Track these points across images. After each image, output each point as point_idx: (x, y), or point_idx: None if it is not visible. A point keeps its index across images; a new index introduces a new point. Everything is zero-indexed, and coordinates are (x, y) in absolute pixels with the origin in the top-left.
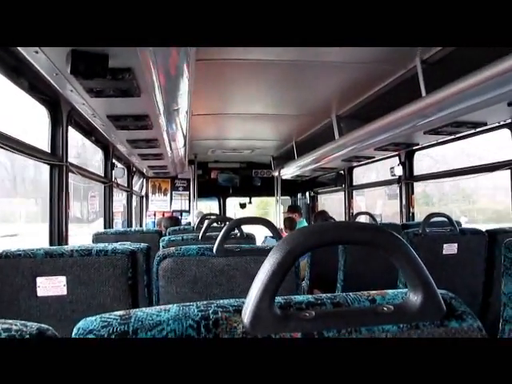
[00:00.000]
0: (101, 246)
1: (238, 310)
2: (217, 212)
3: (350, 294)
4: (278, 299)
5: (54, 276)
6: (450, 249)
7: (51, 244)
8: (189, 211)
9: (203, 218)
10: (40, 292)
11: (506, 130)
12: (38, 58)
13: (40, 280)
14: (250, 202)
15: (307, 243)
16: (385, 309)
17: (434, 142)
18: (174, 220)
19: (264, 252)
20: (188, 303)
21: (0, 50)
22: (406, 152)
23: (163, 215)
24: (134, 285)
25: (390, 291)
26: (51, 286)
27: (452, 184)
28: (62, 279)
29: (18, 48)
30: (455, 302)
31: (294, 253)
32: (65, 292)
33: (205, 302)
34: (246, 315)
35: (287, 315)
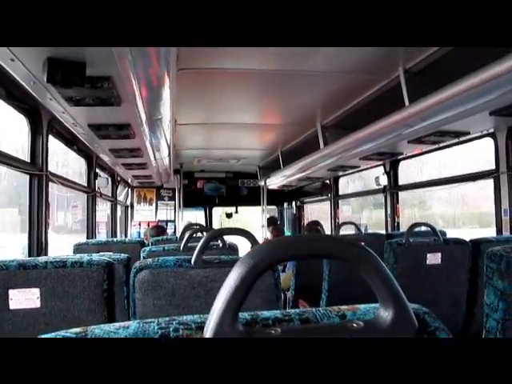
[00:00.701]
0: (76, 257)
1: (201, 327)
2: (203, 222)
3: (320, 309)
4: (245, 315)
5: (28, 288)
6: (434, 258)
7: (30, 255)
8: (174, 221)
9: (187, 227)
10: (12, 305)
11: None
12: (14, 66)
13: (12, 292)
14: (237, 212)
15: (272, 257)
16: (354, 325)
17: (419, 152)
18: (159, 229)
19: None
20: (149, 319)
21: None
22: (391, 161)
23: (148, 225)
24: (109, 297)
25: (361, 306)
26: (24, 298)
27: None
28: (36, 291)
29: None
30: (428, 318)
31: (259, 267)
32: (38, 305)
33: (167, 319)
34: (208, 333)
35: (251, 332)
